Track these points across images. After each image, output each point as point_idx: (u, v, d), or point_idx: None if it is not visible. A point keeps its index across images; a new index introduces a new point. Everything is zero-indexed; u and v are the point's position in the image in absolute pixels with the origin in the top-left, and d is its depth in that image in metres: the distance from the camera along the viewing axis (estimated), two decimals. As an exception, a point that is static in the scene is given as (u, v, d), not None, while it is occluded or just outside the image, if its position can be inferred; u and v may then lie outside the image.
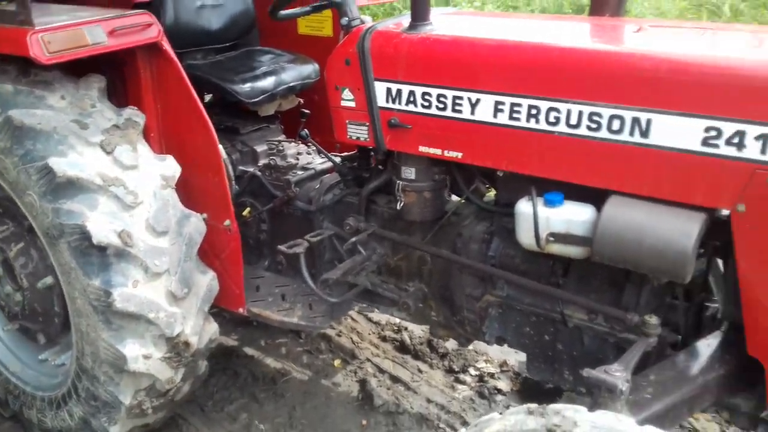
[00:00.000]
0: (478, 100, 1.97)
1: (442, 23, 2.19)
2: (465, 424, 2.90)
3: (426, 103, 2.07)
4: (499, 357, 3.38)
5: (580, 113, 1.80)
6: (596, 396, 1.68)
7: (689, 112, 1.65)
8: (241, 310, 2.75)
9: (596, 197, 1.88)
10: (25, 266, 2.54)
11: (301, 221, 2.81)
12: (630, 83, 1.73)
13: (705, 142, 1.65)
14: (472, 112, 1.99)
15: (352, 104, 2.23)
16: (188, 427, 3.00)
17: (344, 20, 2.25)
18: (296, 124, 2.89)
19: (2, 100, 2.21)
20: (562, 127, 1.84)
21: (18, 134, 2.16)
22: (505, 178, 2.15)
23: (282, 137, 3.10)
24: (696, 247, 1.69)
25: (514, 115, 1.91)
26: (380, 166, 2.49)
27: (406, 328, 3.62)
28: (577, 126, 1.82)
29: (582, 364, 2.05)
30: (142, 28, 2.21)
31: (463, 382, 3.25)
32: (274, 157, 2.88)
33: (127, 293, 2.18)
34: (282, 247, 2.52)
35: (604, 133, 1.78)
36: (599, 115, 1.78)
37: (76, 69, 2.29)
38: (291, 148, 2.96)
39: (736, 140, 1.61)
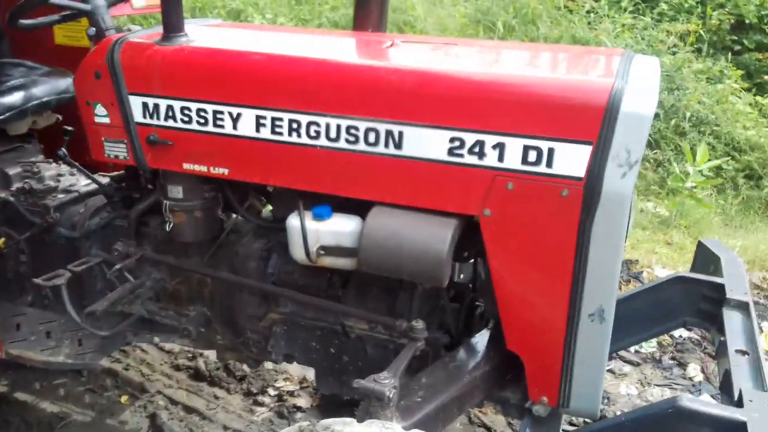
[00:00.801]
0: (239, 115, 1.91)
1: (199, 34, 2.10)
2: (262, 447, 2.82)
3: (186, 118, 1.96)
4: (299, 373, 3.34)
5: (339, 126, 1.81)
6: (366, 405, 1.69)
7: (435, 124, 1.73)
8: None
9: (364, 209, 1.90)
10: None
11: (65, 249, 2.54)
12: (381, 97, 1.77)
13: (450, 151, 1.73)
14: (235, 127, 1.92)
15: (107, 120, 2.06)
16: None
17: (91, 30, 2.07)
18: (58, 143, 2.62)
19: None
20: (322, 141, 1.84)
21: None
22: (276, 193, 2.12)
23: (40, 158, 2.80)
24: (450, 252, 1.76)
25: (276, 130, 1.88)
26: (150, 186, 2.33)
27: (201, 354, 3.45)
28: (336, 139, 1.83)
29: (367, 374, 2.08)
30: None
31: (261, 404, 3.16)
32: (29, 181, 2.58)
33: None
34: (39, 280, 2.26)
35: (362, 146, 1.81)
36: (356, 128, 1.80)
37: None
38: (50, 169, 2.69)
39: (477, 149, 1.70)
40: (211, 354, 3.43)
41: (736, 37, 7.70)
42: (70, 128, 2.67)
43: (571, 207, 1.65)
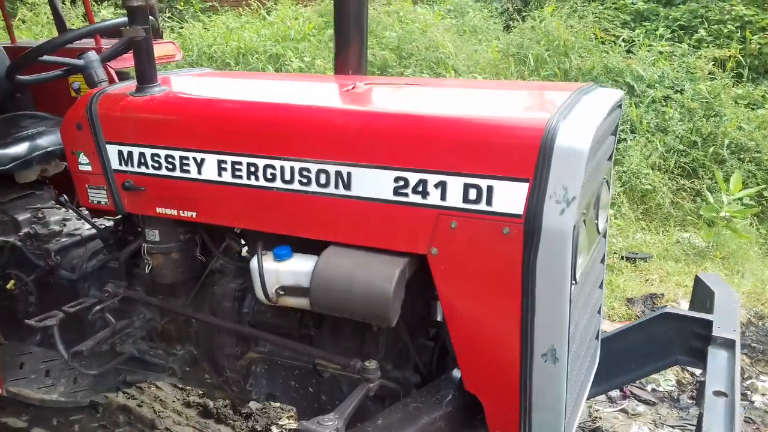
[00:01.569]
0: (203, 160, 1.99)
1: (175, 84, 2.21)
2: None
3: (156, 165, 2.06)
4: (304, 410, 3.36)
5: (292, 169, 1.87)
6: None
7: (380, 164, 1.76)
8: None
9: (324, 249, 1.93)
10: None
11: (68, 291, 2.68)
12: (329, 139, 1.82)
13: (396, 191, 1.75)
14: (199, 172, 2.00)
15: (89, 168, 2.18)
16: None
17: (76, 84, 2.21)
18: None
19: None
20: (278, 183, 1.90)
21: None
22: (245, 234, 2.18)
23: (51, 203, 2.97)
24: (397, 291, 1.76)
25: (237, 173, 1.95)
26: (139, 229, 2.44)
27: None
28: (290, 181, 1.88)
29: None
30: None
31: (264, 441, 3.18)
32: (34, 226, 2.74)
33: None
34: (31, 321, 2.39)
35: (314, 187, 1.85)
36: (308, 170, 1.85)
37: None
38: (57, 214, 2.84)
39: (420, 188, 1.72)
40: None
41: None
42: None
43: (514, 244, 1.64)
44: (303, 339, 2.20)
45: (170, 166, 2.04)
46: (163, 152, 2.04)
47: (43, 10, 9.76)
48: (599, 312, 2.28)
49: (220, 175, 1.98)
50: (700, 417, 1.87)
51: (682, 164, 6.11)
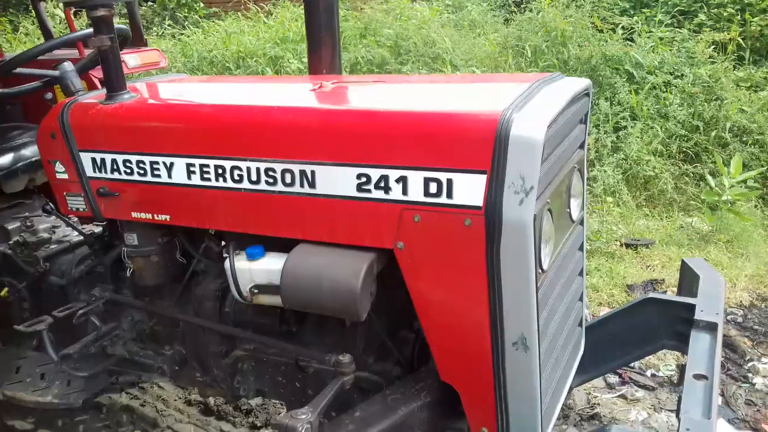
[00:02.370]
0: (172, 164, 2.01)
1: (144, 91, 2.23)
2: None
3: (128, 170, 2.08)
4: (302, 408, 3.37)
5: (258, 169, 1.88)
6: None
7: (343, 162, 1.76)
8: None
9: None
10: None
11: (58, 296, 2.72)
12: (293, 138, 1.83)
13: (359, 187, 1.76)
14: (170, 176, 2.02)
15: (65, 176, 2.21)
16: None
17: (48, 95, 2.24)
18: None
19: None
20: (245, 184, 1.91)
21: None
22: (220, 235, 2.19)
23: (40, 212, 3.00)
24: (365, 286, 1.77)
25: (205, 176, 1.96)
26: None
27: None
28: (257, 182, 1.89)
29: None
30: None
31: (263, 439, 3.21)
32: (23, 234, 2.79)
33: None
34: (21, 327, 2.43)
35: (280, 187, 1.86)
36: (273, 170, 1.86)
37: None
38: (46, 222, 2.88)
39: (382, 184, 1.73)
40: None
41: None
42: None
43: (476, 236, 1.64)
44: (284, 336, 2.22)
45: (141, 171, 2.06)
46: (134, 158, 2.06)
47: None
48: (581, 299, 2.27)
49: (189, 178, 1.99)
50: (679, 399, 1.85)
51: (685, 149, 6.05)
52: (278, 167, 1.85)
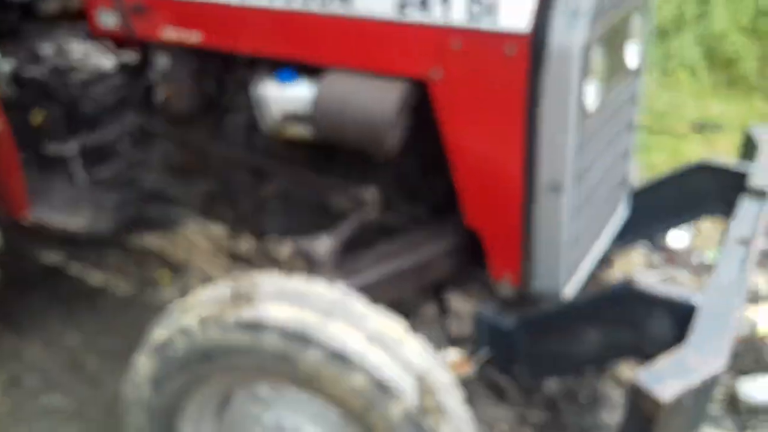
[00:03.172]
0: (207, -22, 1.91)
1: None
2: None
3: None
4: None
5: (294, -15, 1.77)
6: (303, 263, 1.73)
7: (383, -22, 1.64)
8: (25, 217, 2.69)
9: None
10: None
11: (93, 123, 2.72)
12: None
13: (398, 8, 1.64)
14: (204, -9, 1.94)
15: None
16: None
17: None
18: None
19: None
20: (279, 2, 1.81)
21: None
22: (250, 65, 2.11)
23: (74, 38, 2.96)
24: (396, 118, 1.70)
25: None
26: None
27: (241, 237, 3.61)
28: (292, -1, 1.79)
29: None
30: None
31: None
32: (57, 59, 2.76)
33: None
34: (50, 150, 2.46)
35: (316, 5, 1.76)
36: (310, -14, 1.75)
37: None
38: (79, 48, 2.84)
39: (423, 4, 1.60)
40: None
41: None
42: None
43: (517, 67, 1.54)
44: (314, 171, 2.19)
45: (176, -15, 1.98)
46: None
47: None
48: (626, 157, 2.15)
49: None
50: (716, 263, 1.77)
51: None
52: (315, -18, 1.73)
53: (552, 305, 1.79)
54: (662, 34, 5.47)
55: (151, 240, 3.57)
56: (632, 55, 1.91)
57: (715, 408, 2.45)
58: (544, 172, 1.62)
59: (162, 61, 2.17)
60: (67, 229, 2.57)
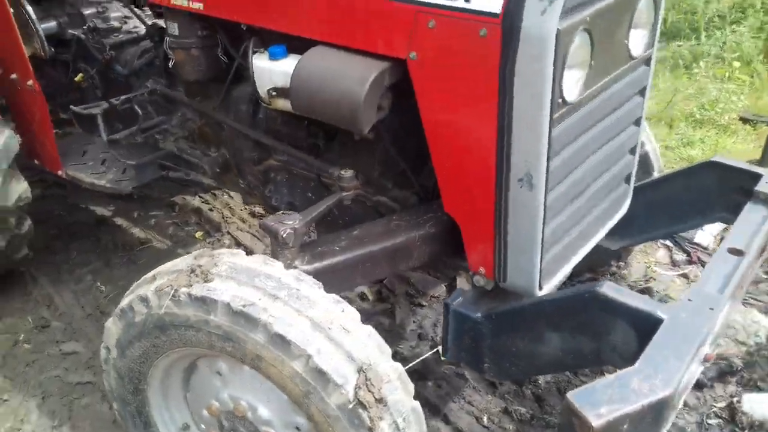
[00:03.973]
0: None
1: None
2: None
3: None
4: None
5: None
6: (271, 244, 1.70)
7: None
8: (60, 172, 2.79)
9: None
10: None
11: (124, 85, 2.78)
12: None
13: (377, -16, 1.57)
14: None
15: None
16: (34, 285, 3.14)
17: None
18: None
19: None
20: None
21: None
22: (251, 32, 2.08)
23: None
24: (370, 96, 1.64)
25: (233, -39, 1.83)
26: None
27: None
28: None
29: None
30: None
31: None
32: (96, 19, 2.81)
33: None
34: (76, 108, 2.51)
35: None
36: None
37: None
38: (118, 11, 2.88)
39: (399, -20, 1.53)
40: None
41: None
42: None
43: (491, 50, 1.45)
44: (310, 149, 2.16)
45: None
46: None
47: None
48: (632, 152, 2.02)
49: None
50: (704, 271, 1.65)
51: None
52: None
53: (521, 301, 1.71)
54: (720, 20, 5.17)
55: (193, 201, 3.74)
56: (638, 43, 1.78)
57: (712, 420, 2.33)
58: (517, 163, 1.54)
59: (171, 26, 2.17)
60: (94, 185, 2.66)
